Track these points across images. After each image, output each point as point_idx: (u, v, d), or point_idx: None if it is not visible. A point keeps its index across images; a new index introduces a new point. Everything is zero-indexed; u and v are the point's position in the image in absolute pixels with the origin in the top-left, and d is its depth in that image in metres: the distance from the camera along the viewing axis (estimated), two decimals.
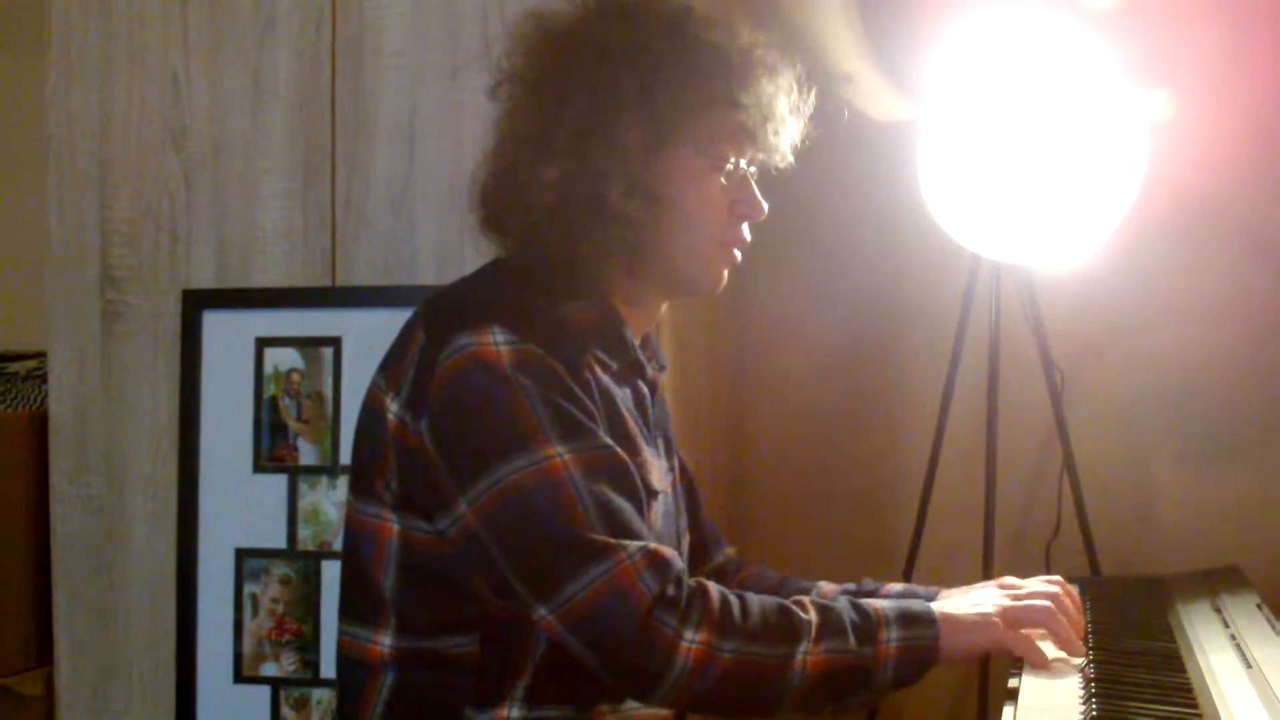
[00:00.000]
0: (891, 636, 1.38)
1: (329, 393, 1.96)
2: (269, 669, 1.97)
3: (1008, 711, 1.25)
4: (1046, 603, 1.44)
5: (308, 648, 1.96)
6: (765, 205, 1.54)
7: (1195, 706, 1.26)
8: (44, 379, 2.16)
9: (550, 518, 1.35)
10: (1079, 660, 1.40)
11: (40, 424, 2.12)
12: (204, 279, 2.03)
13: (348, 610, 1.51)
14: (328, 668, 1.92)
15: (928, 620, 1.40)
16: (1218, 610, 1.61)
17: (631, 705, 1.47)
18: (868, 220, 2.50)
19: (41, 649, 2.16)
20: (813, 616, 1.38)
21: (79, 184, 2.07)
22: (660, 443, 1.58)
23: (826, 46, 2.42)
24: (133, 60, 2.05)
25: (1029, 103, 2.02)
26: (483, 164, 1.53)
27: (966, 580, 1.65)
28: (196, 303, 2.01)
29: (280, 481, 1.97)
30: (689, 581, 1.38)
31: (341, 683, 1.53)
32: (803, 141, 1.56)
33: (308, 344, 1.97)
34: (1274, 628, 1.50)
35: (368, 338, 1.92)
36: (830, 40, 2.43)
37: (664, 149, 1.46)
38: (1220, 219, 2.35)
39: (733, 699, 1.36)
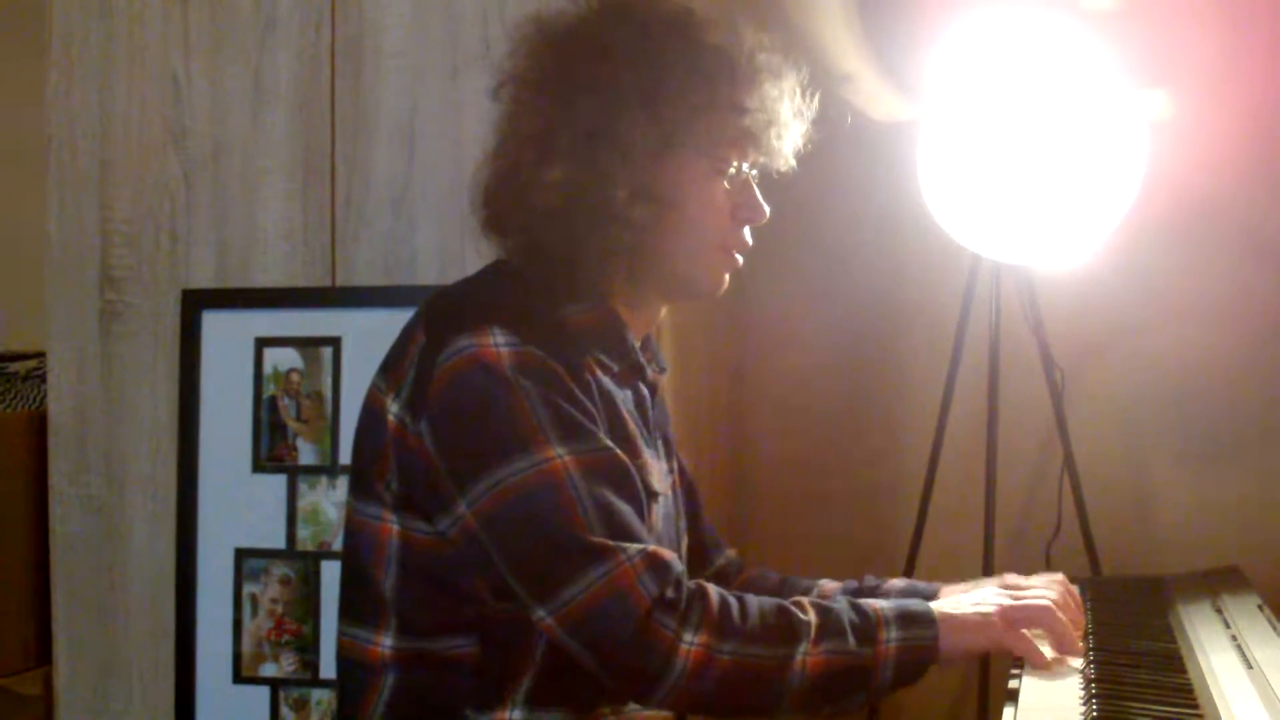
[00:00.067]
0: (891, 637, 1.38)
1: (328, 393, 1.96)
2: (268, 669, 1.96)
3: (1008, 712, 1.25)
4: (1046, 603, 1.44)
5: (307, 648, 1.95)
6: (767, 208, 1.54)
7: (1196, 707, 1.26)
8: (43, 379, 2.15)
9: (550, 519, 1.35)
10: (1079, 661, 1.40)
11: (40, 424, 2.12)
12: (204, 279, 2.03)
13: (348, 611, 1.51)
14: (327, 668, 1.92)
15: (927, 620, 1.40)
16: (1218, 611, 1.61)
17: (633, 708, 1.47)
18: (867, 220, 2.50)
19: (41, 649, 2.16)
20: (812, 617, 1.38)
21: (79, 184, 2.07)
22: (660, 444, 1.58)
23: (826, 47, 2.42)
24: (133, 60, 2.05)
25: (1029, 103, 2.02)
26: (484, 164, 1.53)
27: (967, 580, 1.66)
28: (196, 303, 2.01)
29: (280, 481, 1.97)
30: (688, 584, 1.38)
31: (341, 684, 1.53)
32: (805, 145, 1.56)
33: (307, 344, 1.97)
34: (1275, 628, 1.50)
35: (367, 338, 1.92)
36: (830, 41, 2.43)
37: (668, 152, 1.46)
38: (1220, 219, 2.34)
39: (732, 700, 1.36)
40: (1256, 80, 2.28)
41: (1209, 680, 1.33)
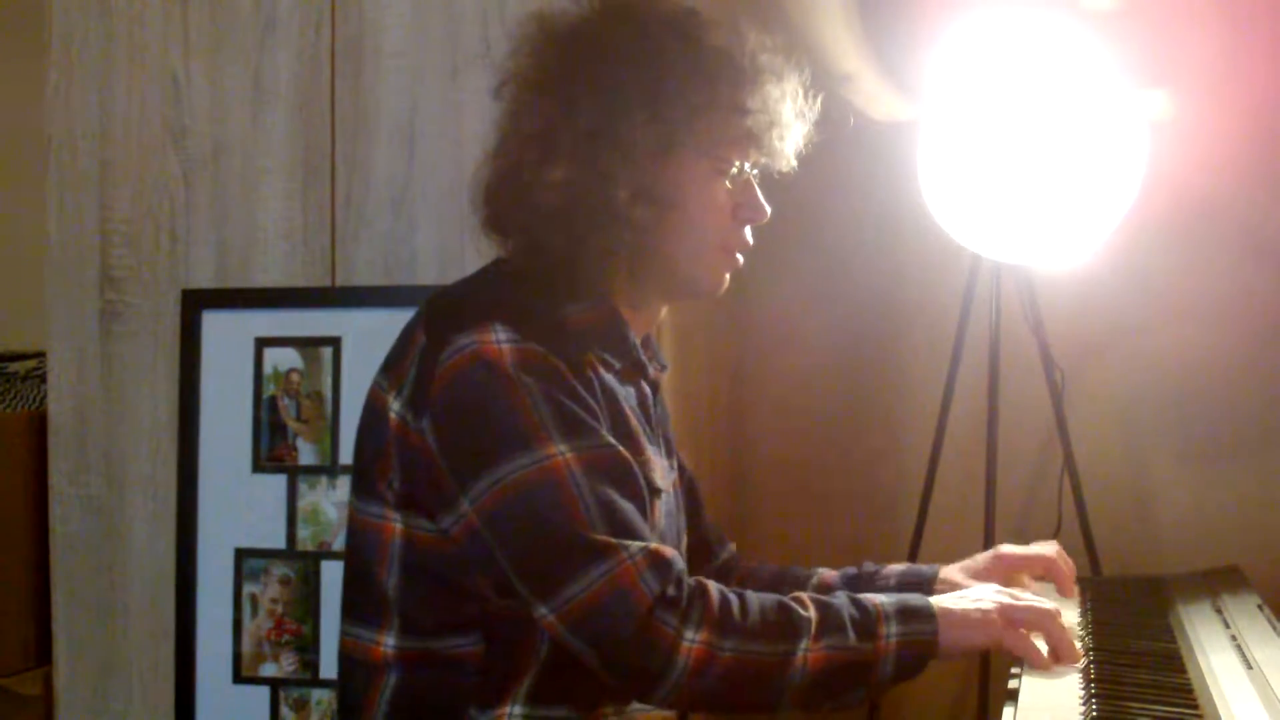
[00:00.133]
0: (891, 632, 1.38)
1: (328, 393, 1.96)
2: (268, 669, 1.96)
3: (1008, 712, 1.25)
4: (1047, 608, 1.44)
5: (307, 648, 1.95)
6: (768, 208, 1.54)
7: (1196, 707, 1.26)
8: (43, 379, 2.16)
9: (551, 517, 1.35)
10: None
11: (40, 424, 2.12)
12: (204, 279, 2.03)
13: (350, 611, 1.51)
14: (327, 668, 1.92)
15: (926, 615, 1.40)
16: (1218, 611, 1.61)
17: (635, 706, 1.47)
18: (868, 220, 2.50)
19: (41, 649, 2.16)
20: (812, 613, 1.38)
21: (79, 184, 2.07)
22: (661, 442, 1.58)
23: (827, 47, 2.42)
24: (133, 60, 2.05)
25: (1029, 103, 2.02)
26: (485, 163, 1.53)
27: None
28: (196, 303, 2.01)
29: (280, 481, 1.97)
30: (689, 581, 1.38)
31: (343, 683, 1.52)
32: (805, 145, 1.56)
33: (307, 344, 1.97)
34: (1275, 628, 1.50)
35: (367, 338, 1.92)
36: (830, 41, 2.43)
37: (669, 152, 1.46)
38: (1220, 219, 2.34)
39: (734, 697, 1.36)
40: (1256, 80, 2.28)
41: (1209, 680, 1.33)
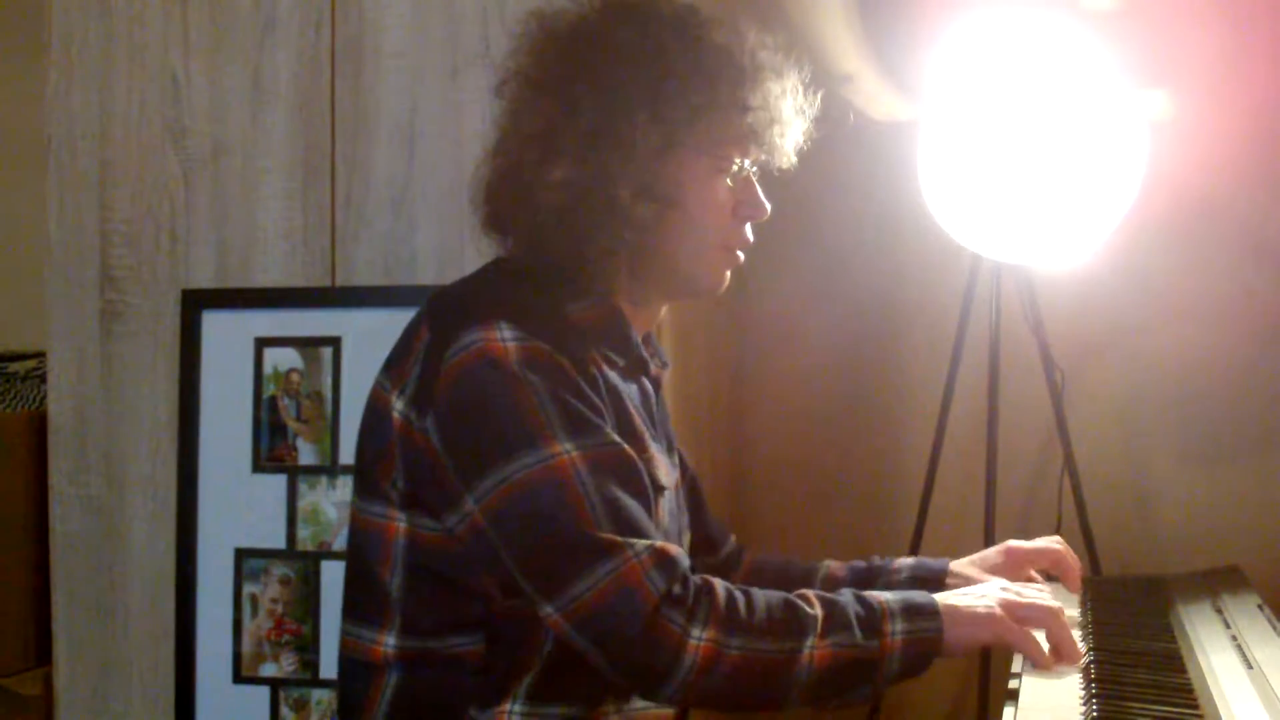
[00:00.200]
0: (896, 629, 1.38)
1: (328, 393, 1.96)
2: (268, 669, 1.96)
3: (1008, 712, 1.25)
4: (1052, 605, 1.44)
5: (307, 648, 1.95)
6: (769, 205, 1.54)
7: (1196, 707, 1.26)
8: (43, 379, 2.16)
9: (557, 515, 1.35)
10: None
11: (40, 424, 2.12)
12: (204, 279, 2.03)
13: (352, 610, 1.51)
14: (327, 668, 1.92)
15: (931, 612, 1.40)
16: (1219, 610, 1.61)
17: (636, 704, 1.47)
18: (868, 220, 2.50)
19: (40, 649, 2.16)
20: (818, 611, 1.38)
21: (79, 184, 2.07)
22: (664, 439, 1.58)
23: (827, 47, 2.42)
24: (133, 60, 2.05)
25: (1029, 103, 2.02)
26: (485, 162, 1.53)
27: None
28: (196, 303, 2.01)
29: (279, 481, 1.97)
30: (695, 579, 1.38)
31: (344, 683, 1.52)
32: (805, 142, 1.57)
33: (307, 344, 1.97)
34: (1275, 628, 1.50)
35: (367, 338, 1.92)
36: (830, 41, 2.43)
37: (670, 151, 1.46)
38: (1220, 219, 2.35)
39: (740, 695, 1.36)
40: (1256, 80, 2.28)
41: (1209, 680, 1.33)
